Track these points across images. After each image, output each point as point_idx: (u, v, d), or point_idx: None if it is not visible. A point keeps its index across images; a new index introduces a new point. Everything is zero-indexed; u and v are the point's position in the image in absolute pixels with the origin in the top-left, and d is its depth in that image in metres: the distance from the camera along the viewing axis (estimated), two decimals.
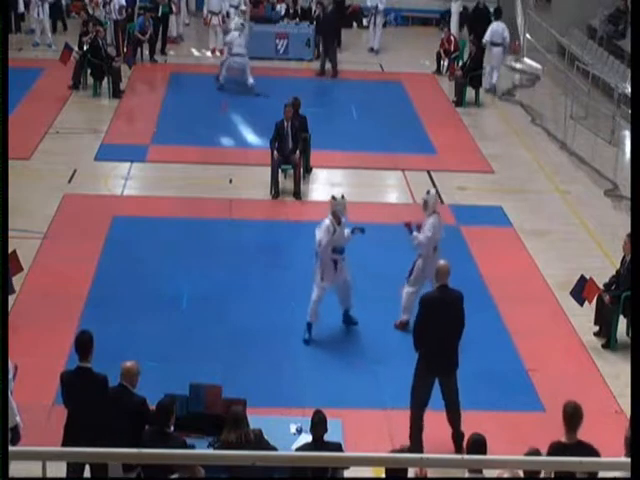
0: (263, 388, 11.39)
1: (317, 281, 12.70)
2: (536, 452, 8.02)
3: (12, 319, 11.16)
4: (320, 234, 12.61)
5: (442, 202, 17.19)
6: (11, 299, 12.40)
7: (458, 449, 10.64)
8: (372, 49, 27.11)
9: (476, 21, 25.49)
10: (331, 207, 12.81)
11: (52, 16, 27.20)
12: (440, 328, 10.53)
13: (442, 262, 10.98)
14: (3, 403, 7.01)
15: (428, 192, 13.23)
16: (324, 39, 24.90)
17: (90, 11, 25.67)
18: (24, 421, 9.44)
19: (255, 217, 16.59)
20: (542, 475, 8.02)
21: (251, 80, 22.75)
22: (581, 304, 13.10)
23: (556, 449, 8.34)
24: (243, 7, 24.45)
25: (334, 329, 13.06)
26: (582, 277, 13.13)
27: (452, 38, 25.41)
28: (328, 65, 24.68)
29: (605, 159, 18.91)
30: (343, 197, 12.94)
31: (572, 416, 8.55)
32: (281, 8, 27.34)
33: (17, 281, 13.10)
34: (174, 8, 26.40)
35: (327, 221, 12.71)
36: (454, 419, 10.80)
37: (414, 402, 10.68)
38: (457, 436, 10.76)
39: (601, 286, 13.04)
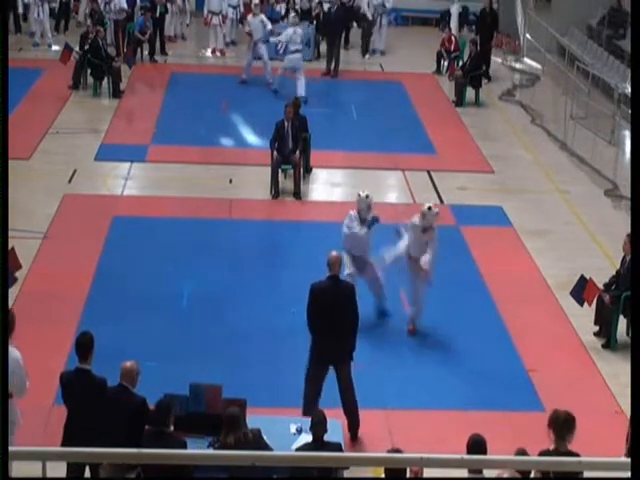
0: (263, 388, 11.39)
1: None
2: (523, 453, 8.02)
3: None
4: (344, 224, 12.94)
5: (442, 202, 17.25)
6: (11, 299, 12.39)
7: (353, 438, 10.70)
8: (375, 50, 27.01)
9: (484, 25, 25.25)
10: (356, 205, 12.97)
11: (58, 15, 27.25)
12: (328, 317, 10.61)
13: (334, 253, 11.00)
14: (3, 403, 7.01)
15: (430, 208, 12.70)
16: (329, 39, 24.88)
17: (93, 7, 25.58)
18: (24, 421, 9.44)
19: (255, 217, 16.59)
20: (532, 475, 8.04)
21: (302, 80, 22.43)
22: (581, 304, 13.10)
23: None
24: (256, 1, 24.42)
25: None
26: (582, 277, 13.13)
27: (453, 38, 25.42)
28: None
29: (605, 159, 18.92)
30: (368, 196, 12.96)
31: (562, 426, 8.53)
32: (281, 8, 27.35)
33: (17, 281, 13.09)
34: (171, 7, 26.36)
35: (351, 212, 12.94)
36: (349, 409, 10.78)
37: (307, 391, 10.74)
38: (352, 426, 10.77)
39: (601, 286, 13.05)
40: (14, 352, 9.12)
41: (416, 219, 12.78)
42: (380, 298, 13.30)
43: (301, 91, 22.15)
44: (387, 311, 13.38)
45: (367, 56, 26.74)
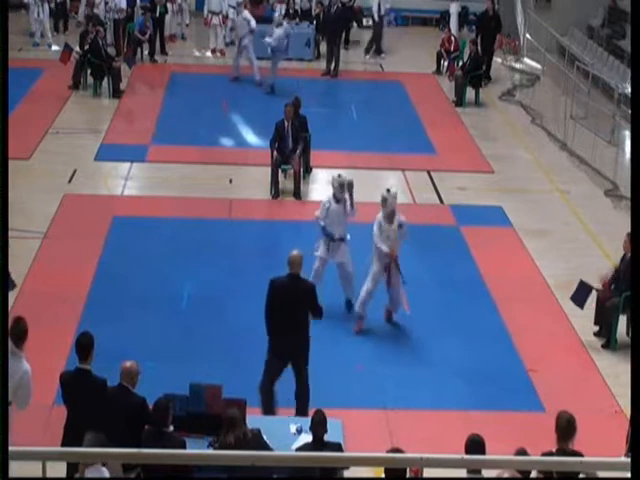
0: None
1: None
2: (523, 453, 8.02)
3: (12, 319, 11.13)
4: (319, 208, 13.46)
5: (442, 202, 17.25)
6: (11, 299, 12.39)
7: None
8: (380, 51, 26.99)
9: (483, 29, 25.09)
10: (331, 186, 13.51)
11: (55, 15, 27.24)
12: (286, 314, 10.69)
13: (294, 252, 11.07)
14: (3, 403, 7.01)
15: (389, 190, 13.05)
16: (329, 39, 24.90)
17: (87, 12, 25.56)
18: (24, 421, 9.44)
19: (255, 217, 16.59)
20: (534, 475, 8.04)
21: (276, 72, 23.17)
22: (581, 307, 13.08)
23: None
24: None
25: (333, 329, 13.06)
26: (582, 282, 13.12)
27: (452, 38, 25.41)
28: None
29: (605, 159, 18.91)
30: (340, 176, 13.48)
31: (566, 429, 8.54)
32: (281, 8, 27.34)
33: (17, 281, 13.09)
34: (170, 7, 26.32)
35: (325, 197, 13.46)
36: (300, 403, 10.86)
37: (262, 383, 10.83)
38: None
39: (601, 286, 13.07)
40: (25, 365, 9.07)
41: (379, 214, 12.89)
42: (347, 288, 13.40)
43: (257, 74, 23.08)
44: (352, 303, 13.47)
45: (367, 56, 26.72)
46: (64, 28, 27.51)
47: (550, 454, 8.36)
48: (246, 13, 23.62)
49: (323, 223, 13.37)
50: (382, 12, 26.55)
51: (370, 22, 28.60)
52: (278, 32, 23.08)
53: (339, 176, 13.47)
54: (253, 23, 23.44)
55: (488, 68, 24.38)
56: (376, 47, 26.84)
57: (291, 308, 10.75)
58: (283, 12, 27.03)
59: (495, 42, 25.02)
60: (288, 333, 10.75)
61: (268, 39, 23.02)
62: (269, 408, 10.81)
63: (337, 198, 13.33)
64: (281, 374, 10.91)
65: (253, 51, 23.33)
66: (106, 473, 7.85)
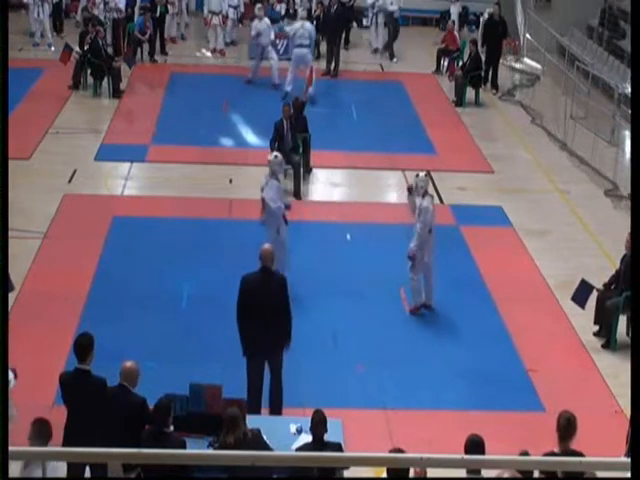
0: (263, 388, 11.36)
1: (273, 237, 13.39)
2: (525, 454, 8.02)
3: (12, 319, 11.15)
4: (269, 193, 13.53)
5: (442, 202, 17.25)
6: (11, 299, 12.40)
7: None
8: (377, 50, 26.99)
9: (489, 34, 24.92)
10: (270, 167, 13.81)
11: (52, 16, 27.20)
12: (259, 310, 10.64)
13: (266, 246, 11.05)
14: (3, 403, 7.01)
15: (417, 175, 13.35)
16: (328, 39, 24.90)
17: (85, 14, 25.54)
18: (24, 421, 9.44)
19: (255, 217, 16.55)
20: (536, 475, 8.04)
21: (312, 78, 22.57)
22: (583, 308, 13.08)
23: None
24: (259, 5, 24.69)
25: (334, 329, 13.06)
26: (583, 281, 13.12)
27: (455, 34, 25.38)
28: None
29: (605, 159, 18.91)
30: (277, 156, 13.82)
31: (566, 427, 8.55)
32: (281, 8, 27.35)
33: (17, 281, 13.10)
34: (170, 8, 26.31)
35: (273, 184, 13.59)
36: (275, 401, 10.83)
37: (249, 386, 10.75)
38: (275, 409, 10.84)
39: (601, 286, 13.06)
40: None
41: (424, 202, 13.16)
42: (286, 265, 13.58)
43: (310, 89, 22.25)
44: None
45: (395, 59, 26.57)
46: (60, 29, 27.44)
47: (552, 454, 8.37)
48: (267, 19, 23.69)
49: (282, 204, 13.69)
50: (396, 9, 26.50)
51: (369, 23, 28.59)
52: (296, 25, 23.16)
53: (275, 157, 13.77)
54: (272, 30, 23.79)
55: (495, 76, 24.19)
56: (391, 49, 26.74)
57: (263, 302, 10.66)
58: (283, 12, 27.07)
59: (501, 48, 24.80)
60: (262, 328, 10.66)
61: (287, 28, 23.13)
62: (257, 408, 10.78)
63: (276, 176, 13.69)
64: (263, 374, 10.85)
65: (277, 56, 23.43)
66: (56, 469, 7.84)
